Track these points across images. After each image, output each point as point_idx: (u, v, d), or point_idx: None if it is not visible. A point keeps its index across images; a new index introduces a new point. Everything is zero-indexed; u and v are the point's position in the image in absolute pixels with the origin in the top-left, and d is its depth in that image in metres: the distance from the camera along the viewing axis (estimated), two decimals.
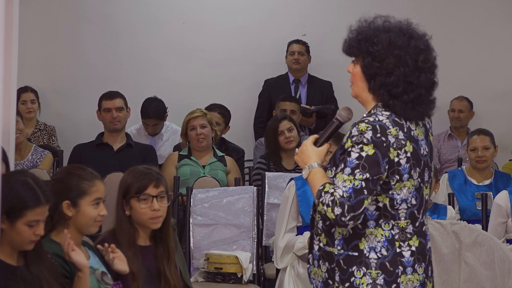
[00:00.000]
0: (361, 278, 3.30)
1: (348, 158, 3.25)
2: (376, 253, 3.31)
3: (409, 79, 3.30)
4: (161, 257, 4.15)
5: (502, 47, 8.89)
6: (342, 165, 3.27)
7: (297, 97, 8.46)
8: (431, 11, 8.73)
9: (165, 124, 8.16)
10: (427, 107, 3.37)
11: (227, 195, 6.14)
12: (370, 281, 3.30)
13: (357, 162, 3.23)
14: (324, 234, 3.38)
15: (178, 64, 8.82)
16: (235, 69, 8.83)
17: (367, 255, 3.31)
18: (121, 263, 3.80)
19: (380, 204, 3.31)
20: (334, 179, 3.29)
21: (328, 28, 8.59)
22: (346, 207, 3.20)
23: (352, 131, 3.28)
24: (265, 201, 6.29)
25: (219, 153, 7.17)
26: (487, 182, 6.91)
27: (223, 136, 7.77)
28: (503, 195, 5.97)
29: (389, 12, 3.43)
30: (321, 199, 3.25)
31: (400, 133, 3.30)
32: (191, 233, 5.98)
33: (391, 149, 3.27)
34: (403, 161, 3.29)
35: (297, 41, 8.66)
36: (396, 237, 3.32)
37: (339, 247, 3.34)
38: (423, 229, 3.40)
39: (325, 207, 3.23)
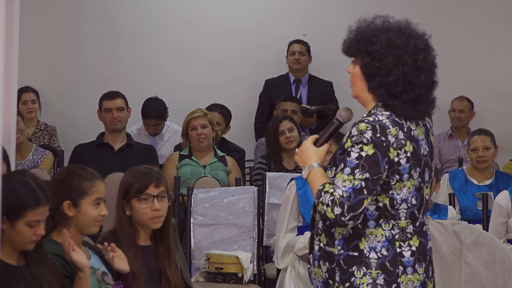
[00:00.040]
0: (361, 278, 3.30)
1: (347, 158, 3.25)
2: (376, 253, 3.31)
3: (408, 79, 3.30)
4: (162, 257, 4.16)
5: (502, 47, 8.89)
6: (342, 165, 3.27)
7: (298, 97, 8.46)
8: (431, 11, 8.73)
9: (166, 124, 8.16)
10: (427, 107, 3.37)
11: (227, 195, 6.14)
12: (370, 281, 3.30)
13: (356, 162, 3.24)
14: (324, 234, 3.38)
15: (178, 64, 8.82)
16: (235, 69, 8.83)
17: (367, 255, 3.31)
18: (121, 262, 3.80)
19: (380, 204, 3.31)
20: (334, 179, 3.29)
21: (328, 28, 8.59)
22: (345, 207, 3.20)
23: (352, 131, 3.28)
24: (266, 201, 6.29)
25: (220, 153, 7.17)
26: (487, 182, 6.92)
27: (223, 136, 7.77)
28: (503, 195, 5.97)
29: (389, 12, 3.43)
30: (320, 199, 3.25)
31: (400, 133, 3.30)
32: (191, 233, 5.98)
33: (391, 149, 3.27)
34: (403, 161, 3.29)
35: (298, 41, 8.66)
36: (397, 237, 3.32)
37: (339, 247, 3.34)
38: (424, 229, 3.40)
39: (324, 207, 3.23)
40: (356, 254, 3.31)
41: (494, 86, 8.85)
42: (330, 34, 8.34)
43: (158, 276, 4.13)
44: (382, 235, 3.31)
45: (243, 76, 8.83)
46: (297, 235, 5.31)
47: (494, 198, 6.20)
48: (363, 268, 3.30)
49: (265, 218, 6.24)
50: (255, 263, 5.91)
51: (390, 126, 3.29)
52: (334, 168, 3.35)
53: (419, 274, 3.35)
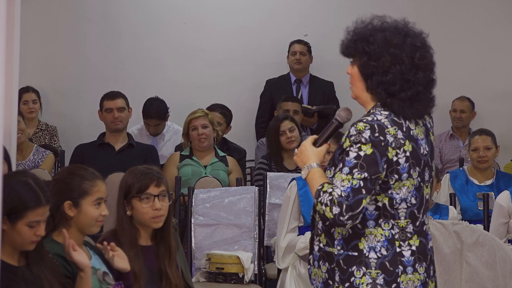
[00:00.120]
0: (361, 278, 3.30)
1: (346, 158, 3.26)
2: (376, 252, 3.31)
3: (406, 77, 3.30)
4: (163, 256, 4.16)
5: (503, 47, 8.89)
6: (341, 164, 3.27)
7: (299, 97, 8.47)
8: (431, 12, 8.73)
9: (167, 124, 8.17)
10: (426, 105, 3.37)
11: (228, 195, 6.14)
12: (370, 280, 3.30)
13: (355, 161, 3.24)
14: (324, 234, 3.38)
15: (179, 64, 8.82)
16: (236, 69, 8.83)
17: (366, 255, 3.31)
18: (121, 261, 3.80)
19: (380, 204, 3.31)
20: (333, 179, 3.29)
21: (329, 28, 8.58)
22: (344, 206, 3.20)
23: (351, 130, 3.28)
24: (267, 201, 6.29)
25: (221, 153, 7.17)
26: (488, 182, 6.91)
27: (224, 136, 7.78)
28: (504, 195, 5.97)
29: (389, 12, 3.43)
30: (319, 199, 3.25)
31: (399, 132, 3.30)
32: (192, 233, 5.98)
33: (390, 148, 3.27)
34: (402, 161, 3.29)
35: (299, 41, 8.67)
36: (396, 236, 3.32)
37: (338, 247, 3.34)
38: (424, 229, 3.39)
39: (323, 207, 3.23)
40: (356, 254, 3.31)
41: (494, 86, 8.85)
42: (331, 34, 8.26)
43: (159, 276, 4.13)
44: (381, 234, 3.31)
45: (244, 76, 8.83)
46: (298, 235, 5.31)
47: (495, 198, 6.20)
48: (363, 268, 3.30)
49: (266, 218, 6.24)
50: (256, 263, 5.91)
51: (389, 126, 3.29)
52: (333, 168, 3.35)
53: (419, 274, 3.35)
